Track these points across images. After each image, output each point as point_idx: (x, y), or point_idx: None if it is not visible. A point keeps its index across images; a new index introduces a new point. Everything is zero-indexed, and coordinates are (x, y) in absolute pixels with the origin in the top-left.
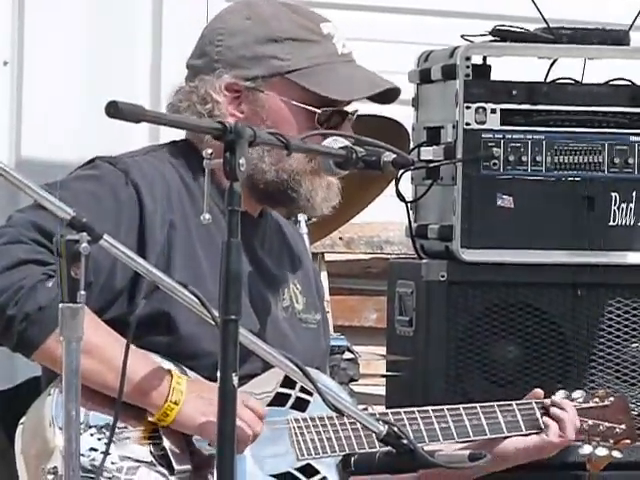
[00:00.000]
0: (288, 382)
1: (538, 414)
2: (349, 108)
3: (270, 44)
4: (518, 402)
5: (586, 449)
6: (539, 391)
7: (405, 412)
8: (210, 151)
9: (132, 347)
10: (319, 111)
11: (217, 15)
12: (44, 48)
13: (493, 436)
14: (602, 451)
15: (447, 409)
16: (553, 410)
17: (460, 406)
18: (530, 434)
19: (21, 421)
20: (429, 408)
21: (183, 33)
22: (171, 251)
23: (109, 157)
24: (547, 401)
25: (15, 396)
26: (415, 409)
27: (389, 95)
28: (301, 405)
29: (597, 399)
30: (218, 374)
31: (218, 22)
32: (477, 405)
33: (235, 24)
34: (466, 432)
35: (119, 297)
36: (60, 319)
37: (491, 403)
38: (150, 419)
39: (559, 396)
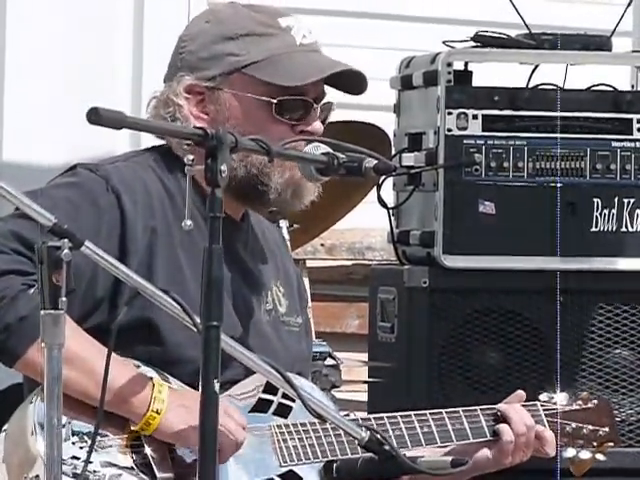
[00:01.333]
0: (270, 388)
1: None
2: (324, 101)
3: (226, 42)
4: (500, 406)
5: (569, 452)
6: (521, 393)
7: (387, 417)
8: (191, 157)
9: (113, 355)
10: (274, 101)
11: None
12: (25, 52)
13: (476, 440)
14: (585, 454)
15: (430, 414)
16: (501, 412)
17: (443, 410)
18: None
19: (3, 428)
20: (411, 413)
21: (164, 39)
22: (153, 257)
23: (90, 164)
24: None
25: None
26: (397, 414)
27: (356, 83)
28: (283, 411)
29: (580, 402)
30: (200, 380)
31: (184, 31)
32: (460, 409)
33: (195, 29)
34: (449, 436)
35: (100, 305)
36: (41, 326)
37: (474, 407)
38: (133, 428)
39: (542, 399)
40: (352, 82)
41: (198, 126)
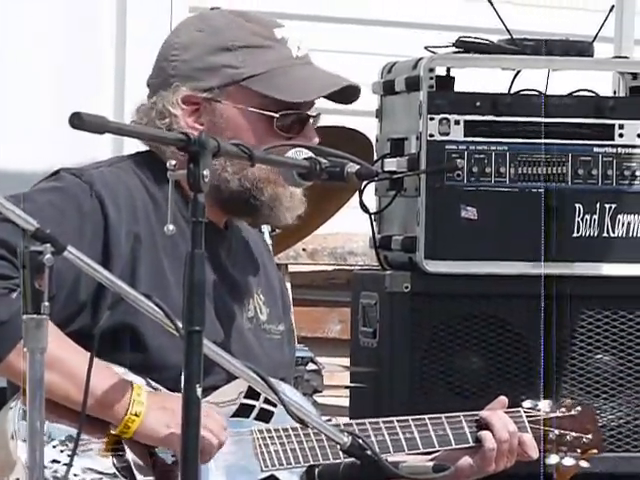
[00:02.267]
0: (252, 393)
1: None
2: (312, 112)
3: (223, 53)
4: (483, 412)
5: (553, 459)
6: (504, 399)
7: (370, 422)
8: (174, 162)
9: (95, 360)
10: (277, 115)
11: (172, 31)
12: (8, 58)
13: (459, 446)
14: (569, 461)
15: (412, 419)
16: (483, 419)
17: (425, 416)
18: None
19: None
20: (394, 419)
21: (147, 46)
22: (136, 263)
23: (73, 168)
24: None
25: None
26: (380, 419)
27: (350, 94)
28: (265, 416)
29: (564, 409)
30: (182, 386)
31: (172, 37)
32: (442, 415)
33: (188, 37)
34: (431, 442)
35: (83, 309)
36: (24, 330)
37: (457, 413)
38: (112, 432)
39: (526, 405)
40: (345, 94)
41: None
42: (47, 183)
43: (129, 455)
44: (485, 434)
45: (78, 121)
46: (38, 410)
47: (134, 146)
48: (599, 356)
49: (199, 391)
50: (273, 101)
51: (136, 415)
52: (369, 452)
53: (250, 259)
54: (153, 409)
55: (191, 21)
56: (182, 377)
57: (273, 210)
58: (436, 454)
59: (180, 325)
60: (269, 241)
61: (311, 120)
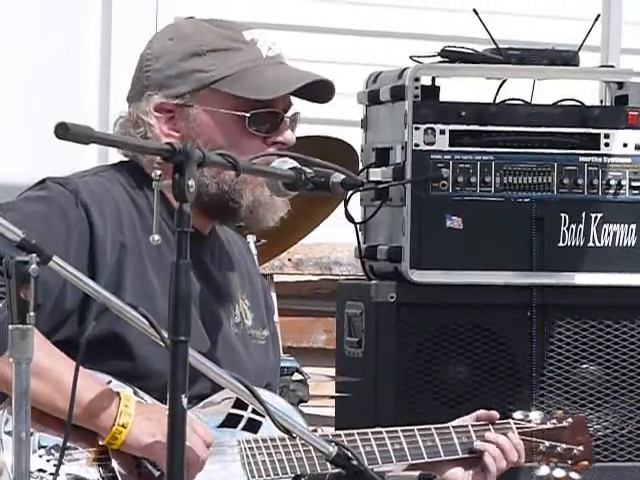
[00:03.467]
0: (240, 403)
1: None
2: (290, 112)
3: (193, 59)
4: (473, 424)
5: (543, 470)
6: (494, 414)
7: (358, 433)
8: (159, 172)
9: (81, 369)
10: (248, 115)
11: (147, 43)
12: None
13: (448, 458)
14: (560, 472)
15: (401, 430)
16: (488, 435)
17: (414, 427)
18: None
19: None
20: (383, 430)
21: (132, 58)
22: (122, 272)
23: (59, 178)
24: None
25: None
26: (369, 430)
27: (325, 92)
28: (253, 426)
29: (555, 420)
30: (168, 396)
31: (146, 49)
32: (432, 426)
33: (159, 47)
34: (420, 453)
35: (69, 319)
36: (9, 340)
37: (446, 424)
38: (100, 442)
39: (516, 417)
40: (319, 91)
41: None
42: (32, 192)
43: (115, 465)
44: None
45: (63, 131)
46: (24, 420)
47: (120, 155)
48: (585, 366)
49: (185, 401)
50: (244, 101)
51: (123, 426)
52: (355, 462)
53: (233, 264)
54: (140, 419)
55: (163, 31)
56: (168, 388)
57: (253, 213)
58: (423, 464)
59: (165, 335)
60: (254, 251)
61: (287, 119)
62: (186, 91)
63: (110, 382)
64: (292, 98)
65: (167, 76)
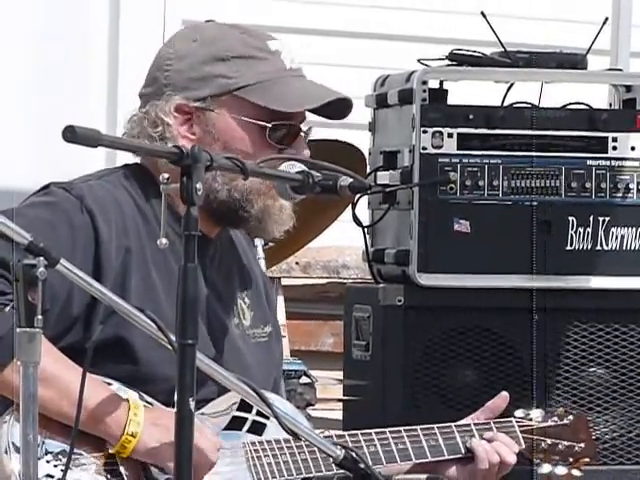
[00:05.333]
0: (245, 406)
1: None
2: (303, 126)
3: (217, 63)
4: (476, 422)
5: (545, 468)
6: (500, 404)
7: (362, 434)
8: (167, 176)
9: (89, 374)
10: (269, 125)
11: (166, 42)
12: (1, 72)
13: (451, 457)
14: (561, 470)
15: (404, 430)
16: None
17: (418, 427)
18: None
19: None
20: (386, 430)
21: (140, 58)
22: (127, 276)
23: (63, 183)
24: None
25: None
26: (372, 431)
27: (342, 109)
28: (257, 429)
29: (556, 418)
30: (175, 399)
31: (166, 47)
32: (435, 426)
33: (182, 47)
34: (424, 453)
35: (76, 324)
36: (17, 344)
37: (449, 424)
38: (110, 450)
39: (518, 415)
40: (337, 108)
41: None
42: (37, 198)
43: (122, 470)
44: (478, 453)
45: (71, 134)
46: (31, 424)
47: (127, 157)
48: (592, 369)
49: (192, 405)
50: (265, 111)
51: (132, 435)
52: (362, 465)
53: (234, 263)
54: (147, 426)
55: (185, 32)
56: (175, 391)
57: (261, 223)
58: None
59: (173, 338)
60: (262, 254)
61: (302, 134)
62: (207, 95)
63: (111, 385)
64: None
65: (189, 78)
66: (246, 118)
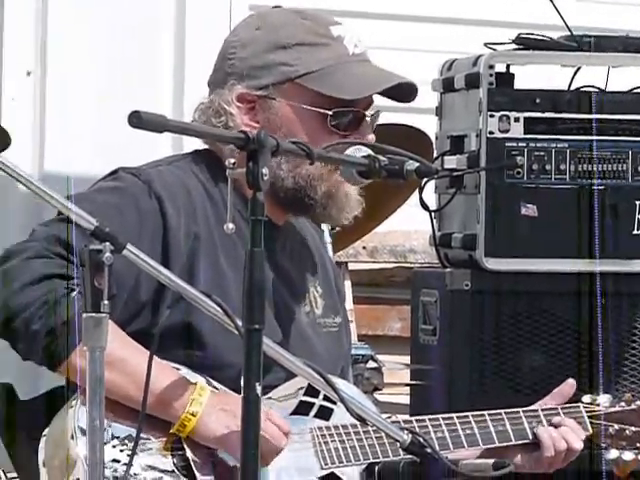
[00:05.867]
0: (312, 391)
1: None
2: (370, 111)
3: (279, 51)
4: (544, 407)
5: (612, 453)
6: (572, 382)
7: (430, 419)
8: (233, 161)
9: (155, 359)
10: (330, 113)
11: (232, 30)
12: (67, 58)
13: (519, 442)
14: (629, 455)
15: (472, 415)
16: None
17: (485, 412)
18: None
19: (44, 432)
20: (454, 415)
21: (206, 43)
22: (195, 262)
23: (132, 168)
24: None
25: (40, 406)
26: (439, 416)
27: (407, 92)
28: (325, 414)
29: (623, 403)
30: (242, 384)
31: (231, 36)
32: (502, 411)
33: (246, 35)
34: (491, 438)
35: (143, 309)
36: (83, 329)
37: (516, 409)
38: (171, 430)
39: (585, 400)
40: (402, 91)
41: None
42: (106, 183)
43: (189, 454)
44: (544, 440)
45: (137, 120)
46: (98, 408)
47: (193, 144)
48: None
49: (259, 389)
50: (327, 98)
51: (192, 415)
52: (429, 450)
53: (305, 252)
54: (213, 410)
55: (249, 20)
56: (242, 377)
57: (326, 209)
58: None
59: (240, 324)
60: (329, 239)
61: (368, 118)
62: (269, 83)
63: (179, 370)
64: (374, 96)
65: (251, 66)
66: (307, 106)
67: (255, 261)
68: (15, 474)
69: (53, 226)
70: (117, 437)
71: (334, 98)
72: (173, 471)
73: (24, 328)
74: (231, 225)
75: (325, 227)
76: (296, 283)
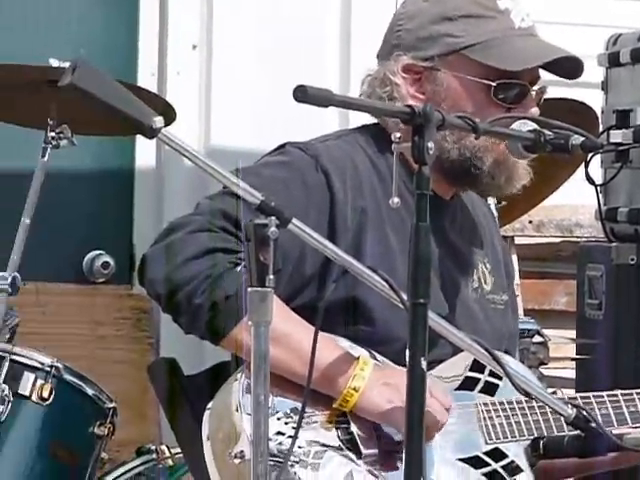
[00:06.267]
0: (477, 366)
1: None
2: (537, 86)
3: (445, 23)
4: None
5: None
6: None
7: (594, 396)
8: (399, 135)
9: (320, 333)
10: (494, 84)
11: (402, 2)
12: (233, 32)
13: None
14: None
15: (636, 393)
16: None
17: None
18: None
19: (208, 406)
20: (618, 392)
21: (372, 16)
22: (361, 237)
23: (299, 142)
24: None
25: (204, 381)
26: (604, 393)
27: (574, 68)
28: (490, 389)
29: None
30: (407, 358)
31: (400, 9)
32: None
33: (413, 8)
34: None
35: (309, 284)
36: (249, 303)
37: None
38: (334, 405)
39: None
40: (568, 67)
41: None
42: (273, 157)
43: (354, 428)
44: None
45: (302, 94)
46: (263, 383)
47: (360, 119)
48: None
49: (424, 364)
50: (491, 71)
51: (355, 390)
52: (594, 424)
53: (475, 229)
54: (376, 384)
55: None
56: (407, 351)
57: (495, 179)
58: None
59: (405, 298)
60: (495, 213)
61: (532, 92)
62: (435, 54)
63: (348, 347)
64: (540, 71)
65: (417, 37)
66: (471, 77)
67: (420, 235)
68: (179, 449)
69: (218, 200)
70: (282, 410)
71: (498, 70)
72: (337, 445)
73: (187, 302)
74: (396, 199)
75: (491, 201)
76: (465, 259)
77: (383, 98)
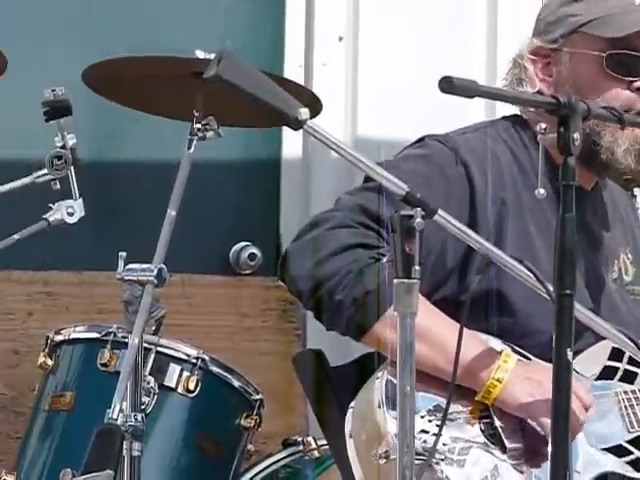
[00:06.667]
0: (616, 355)
1: None
2: None
3: (571, 4)
4: None
5: None
6: None
7: None
8: (544, 126)
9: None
10: (604, 54)
11: None
12: (379, 23)
13: None
14: None
15: None
16: None
17: None
18: None
19: (351, 405)
20: None
21: (519, 6)
22: (502, 228)
23: (439, 135)
24: None
25: (351, 372)
26: None
27: None
28: (629, 377)
29: None
30: (553, 350)
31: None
32: None
33: None
34: None
35: (450, 276)
36: (394, 295)
37: None
38: (476, 398)
39: None
40: None
41: (543, 91)
42: (413, 150)
43: (497, 422)
44: None
45: (448, 85)
46: (408, 375)
47: (507, 110)
48: None
49: (570, 355)
50: (607, 43)
51: (498, 381)
52: None
53: (617, 219)
54: (519, 378)
55: None
56: (553, 342)
57: (613, 154)
58: None
59: (551, 289)
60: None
61: None
62: (559, 35)
63: (487, 340)
64: None
65: (547, 22)
66: (588, 51)
67: (566, 226)
68: (325, 441)
69: (358, 195)
70: (425, 408)
71: (612, 42)
72: (483, 441)
73: (328, 298)
74: (542, 190)
75: (638, 192)
76: (606, 249)
77: (512, 81)
